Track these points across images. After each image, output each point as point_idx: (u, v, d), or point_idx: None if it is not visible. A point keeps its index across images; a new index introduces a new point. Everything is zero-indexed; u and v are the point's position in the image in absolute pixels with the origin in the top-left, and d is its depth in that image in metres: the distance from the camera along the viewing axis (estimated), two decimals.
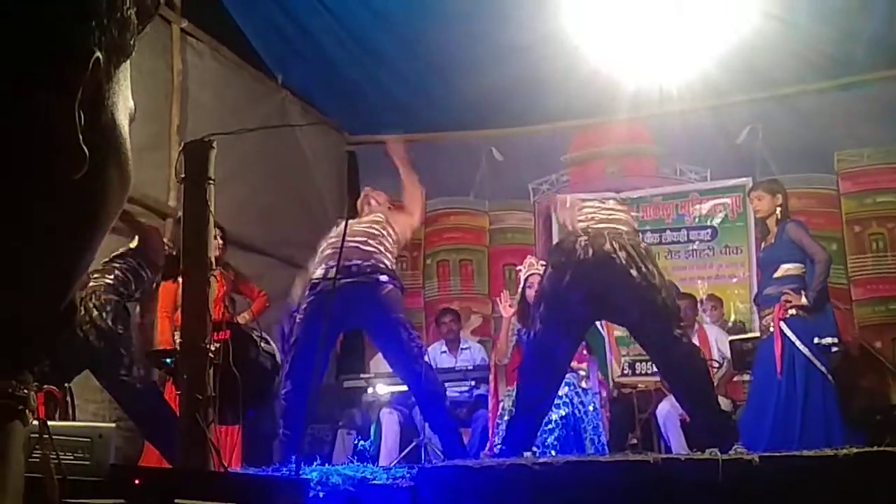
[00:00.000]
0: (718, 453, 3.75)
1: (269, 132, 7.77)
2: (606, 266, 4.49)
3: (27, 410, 0.84)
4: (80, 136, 0.68)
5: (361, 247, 4.94)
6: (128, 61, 0.78)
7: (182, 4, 7.03)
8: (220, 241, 6.07)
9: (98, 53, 0.70)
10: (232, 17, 7.54)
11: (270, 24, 7.57)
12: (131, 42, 0.77)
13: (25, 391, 0.83)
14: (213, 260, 3.14)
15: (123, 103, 0.76)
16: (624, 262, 4.48)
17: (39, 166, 0.68)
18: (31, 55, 0.66)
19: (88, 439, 2.55)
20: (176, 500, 1.74)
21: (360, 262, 4.89)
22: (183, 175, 3.19)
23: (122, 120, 0.76)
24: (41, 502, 1.26)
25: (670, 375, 4.85)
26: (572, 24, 4.86)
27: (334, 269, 4.49)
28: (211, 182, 3.18)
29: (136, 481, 1.74)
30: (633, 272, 4.47)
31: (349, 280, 4.79)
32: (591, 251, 4.53)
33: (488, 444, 6.19)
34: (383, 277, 4.94)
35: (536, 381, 4.77)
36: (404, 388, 5.80)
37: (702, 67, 5.26)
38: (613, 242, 4.53)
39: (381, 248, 5.02)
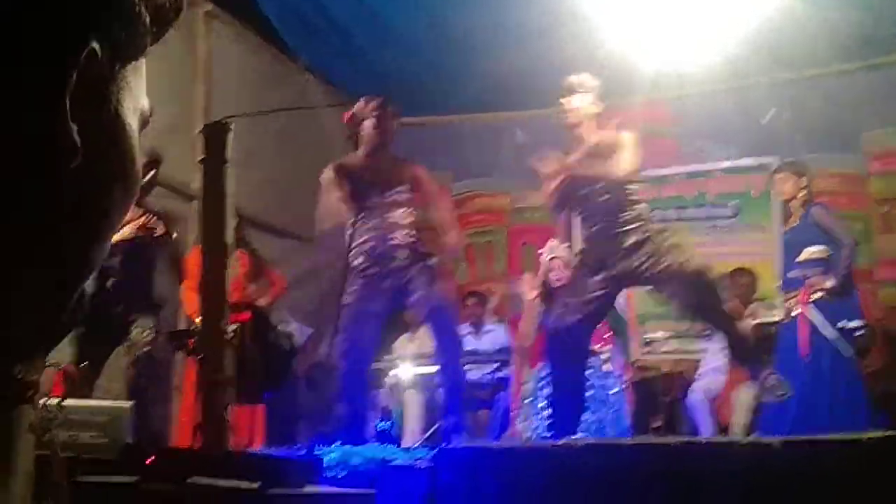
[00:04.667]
0: (739, 437, 3.74)
1: (291, 114, 7.79)
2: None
3: (35, 394, 0.85)
4: (71, 126, 0.68)
5: (401, 238, 5.01)
6: (142, 62, 0.78)
7: None
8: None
9: (94, 45, 0.69)
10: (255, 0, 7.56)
11: (293, 6, 7.57)
12: (142, 42, 0.76)
13: (35, 376, 0.83)
14: (228, 242, 3.15)
15: (133, 104, 0.76)
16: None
17: (28, 155, 0.68)
18: (15, 39, 0.67)
19: (105, 418, 2.58)
20: (189, 479, 1.76)
21: (406, 249, 4.99)
22: (203, 156, 3.20)
23: (130, 120, 0.76)
24: (51, 481, 1.27)
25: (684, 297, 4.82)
26: (592, 4, 4.83)
27: (380, 256, 4.90)
28: (226, 163, 3.19)
29: (150, 460, 1.75)
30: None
31: (397, 265, 4.95)
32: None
33: (510, 427, 6.20)
34: (430, 261, 5.02)
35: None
36: (428, 370, 5.83)
37: (725, 48, 5.19)
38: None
39: (421, 238, 5.12)
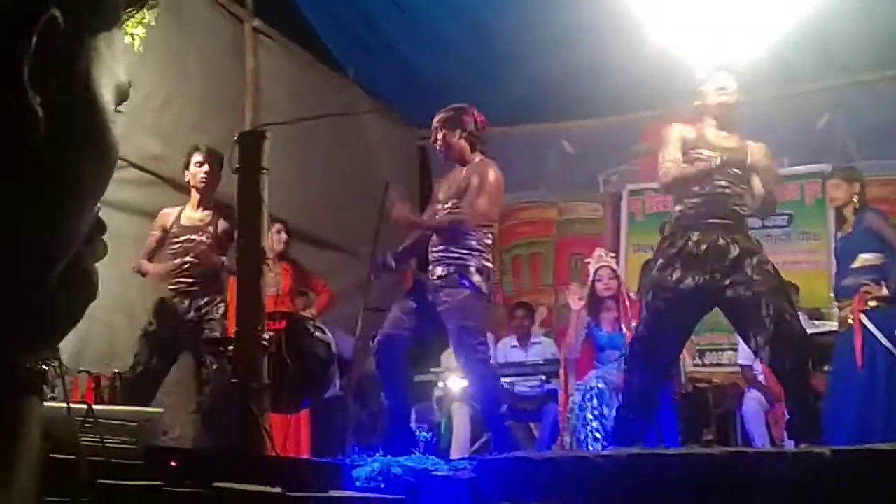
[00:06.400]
0: (790, 447, 3.64)
1: (340, 130, 7.83)
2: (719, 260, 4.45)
3: (44, 386, 0.84)
4: (32, 96, 0.67)
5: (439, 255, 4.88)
6: (116, 34, 0.77)
7: (254, 3, 7.13)
8: (284, 235, 6.12)
9: (54, 12, 0.68)
10: (303, 14, 7.63)
11: (340, 20, 7.64)
12: (113, 13, 0.76)
13: (44, 367, 0.83)
14: (266, 249, 3.16)
15: (108, 76, 0.75)
16: (737, 255, 4.43)
17: None
18: None
19: (135, 423, 2.60)
20: (214, 483, 1.75)
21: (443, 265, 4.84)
22: (237, 165, 3.21)
23: (103, 91, 0.74)
24: (74, 481, 1.27)
25: (776, 356, 4.54)
26: (641, 9, 4.82)
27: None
28: (264, 171, 3.20)
29: (173, 463, 1.76)
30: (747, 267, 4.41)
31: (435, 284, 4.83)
32: (703, 246, 4.47)
33: (558, 439, 6.13)
34: (464, 282, 4.88)
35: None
36: None
37: (774, 53, 5.11)
38: (725, 237, 4.48)
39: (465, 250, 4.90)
